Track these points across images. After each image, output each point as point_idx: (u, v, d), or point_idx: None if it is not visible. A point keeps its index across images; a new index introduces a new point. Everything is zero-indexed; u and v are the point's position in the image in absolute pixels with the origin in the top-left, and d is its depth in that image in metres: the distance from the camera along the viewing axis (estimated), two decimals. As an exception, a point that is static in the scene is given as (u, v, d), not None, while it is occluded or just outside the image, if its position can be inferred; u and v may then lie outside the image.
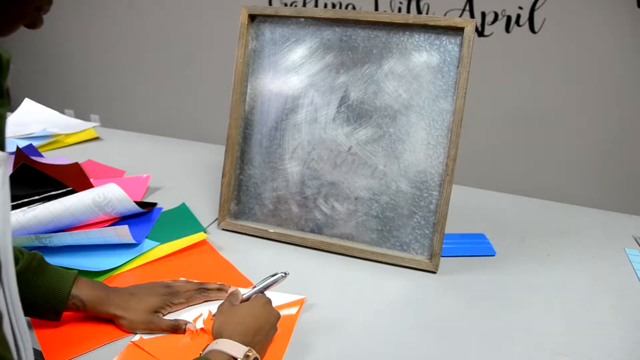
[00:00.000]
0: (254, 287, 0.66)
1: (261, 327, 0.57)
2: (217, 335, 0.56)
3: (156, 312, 0.63)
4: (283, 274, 0.66)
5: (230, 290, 0.67)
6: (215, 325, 0.58)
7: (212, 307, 0.66)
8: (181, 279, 0.71)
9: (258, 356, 0.54)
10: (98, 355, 0.59)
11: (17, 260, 0.58)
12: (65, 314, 0.61)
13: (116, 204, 0.84)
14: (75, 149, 1.28)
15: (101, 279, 0.71)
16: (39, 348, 0.58)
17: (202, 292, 0.67)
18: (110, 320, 0.62)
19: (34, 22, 0.45)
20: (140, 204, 0.89)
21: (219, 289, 0.68)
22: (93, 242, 0.77)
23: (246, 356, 0.52)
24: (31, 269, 0.59)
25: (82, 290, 0.61)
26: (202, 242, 0.83)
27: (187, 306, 0.66)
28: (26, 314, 0.57)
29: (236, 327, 0.56)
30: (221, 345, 0.53)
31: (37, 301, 0.59)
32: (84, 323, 0.63)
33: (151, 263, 0.77)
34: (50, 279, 0.60)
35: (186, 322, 0.62)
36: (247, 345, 0.54)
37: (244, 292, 0.66)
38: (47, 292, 0.59)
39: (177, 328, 0.61)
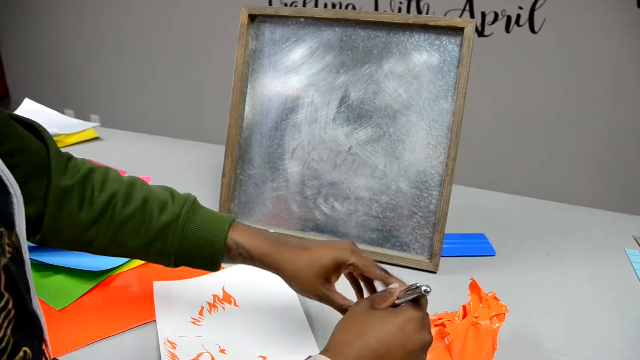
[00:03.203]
0: (408, 290, 0.49)
1: (390, 352, 0.41)
2: (328, 343, 0.44)
3: (337, 271, 0.54)
4: (426, 289, 0.48)
5: (391, 285, 0.52)
6: (336, 328, 0.45)
7: (224, 343, 0.59)
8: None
9: None
10: (104, 346, 0.59)
11: (165, 207, 0.54)
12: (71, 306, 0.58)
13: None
14: (75, 149, 1.28)
15: (101, 278, 0.71)
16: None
17: (379, 269, 0.55)
18: (111, 311, 0.61)
19: None
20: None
21: (386, 275, 0.55)
22: None
23: None
24: (182, 215, 0.54)
25: (245, 238, 0.54)
26: None
27: (361, 273, 0.55)
28: (184, 264, 0.55)
29: (350, 342, 0.42)
30: None
31: (194, 251, 0.54)
32: (89, 314, 0.64)
33: (145, 264, 0.77)
34: (202, 226, 0.54)
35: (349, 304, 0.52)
36: None
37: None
38: (200, 242, 0.53)
39: (343, 310, 0.53)
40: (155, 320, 0.63)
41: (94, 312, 0.65)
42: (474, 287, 0.60)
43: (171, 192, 0.56)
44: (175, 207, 0.54)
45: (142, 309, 0.65)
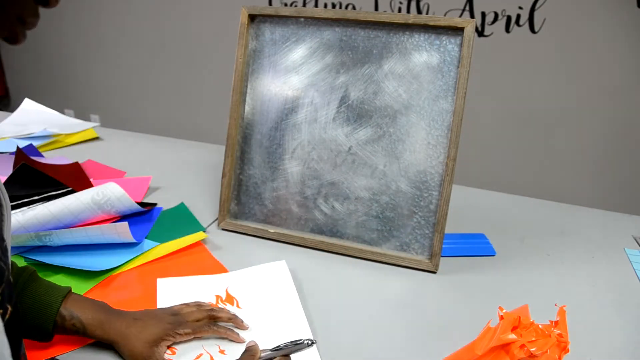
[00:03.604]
0: (278, 348, 0.58)
1: None
2: None
3: (158, 343, 0.56)
4: (309, 342, 0.57)
5: (247, 343, 0.58)
6: None
7: (224, 344, 0.60)
8: (202, 302, 0.64)
9: None
10: (104, 345, 0.58)
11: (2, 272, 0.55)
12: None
13: (115, 202, 0.84)
14: (75, 149, 1.28)
15: (101, 278, 0.71)
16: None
17: (212, 324, 0.60)
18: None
19: (15, 36, 0.35)
20: (140, 204, 0.89)
21: (230, 319, 0.61)
22: (93, 241, 0.77)
23: None
24: (19, 283, 0.54)
25: (79, 309, 0.56)
26: (197, 244, 0.83)
27: (194, 337, 0.59)
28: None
29: None
30: None
31: (24, 319, 0.53)
32: None
33: (150, 262, 0.77)
34: (38, 295, 0.54)
35: None
36: None
37: (266, 349, 0.58)
38: (32, 309, 0.53)
39: None
40: None
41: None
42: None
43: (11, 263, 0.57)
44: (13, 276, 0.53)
45: (142, 309, 0.65)
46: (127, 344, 0.55)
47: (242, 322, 0.62)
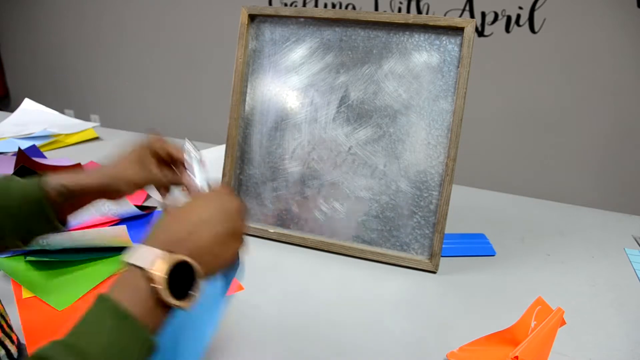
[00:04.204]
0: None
1: (203, 222, 0.41)
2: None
3: (145, 163, 0.57)
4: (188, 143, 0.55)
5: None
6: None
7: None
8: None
9: (190, 260, 0.38)
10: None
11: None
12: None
13: (113, 205, 0.84)
14: (76, 149, 1.28)
15: (102, 278, 0.71)
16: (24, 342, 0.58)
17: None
18: None
19: None
20: (139, 207, 0.89)
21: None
22: (91, 244, 0.77)
23: (158, 261, 0.36)
24: None
25: (56, 179, 0.51)
26: None
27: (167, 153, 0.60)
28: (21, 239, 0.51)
29: (161, 231, 0.40)
30: (128, 256, 0.37)
31: (19, 222, 0.49)
32: (70, 317, 0.63)
33: None
34: (17, 193, 0.49)
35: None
36: (169, 251, 0.37)
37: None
38: (21, 208, 0.49)
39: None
40: None
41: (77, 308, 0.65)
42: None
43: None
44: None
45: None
46: (124, 178, 0.55)
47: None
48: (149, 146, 0.60)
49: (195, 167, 0.53)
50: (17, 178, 0.51)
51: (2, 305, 0.46)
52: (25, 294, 0.67)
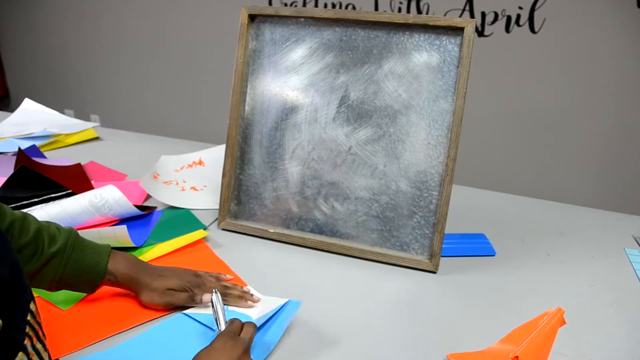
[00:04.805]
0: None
1: None
2: None
3: (174, 294, 0.65)
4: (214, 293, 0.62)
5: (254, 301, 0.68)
6: None
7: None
8: (219, 274, 0.72)
9: None
10: (103, 347, 0.58)
11: (54, 239, 0.61)
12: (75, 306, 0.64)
13: (113, 204, 0.84)
14: (76, 149, 1.28)
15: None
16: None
17: (224, 295, 0.66)
18: (115, 311, 0.65)
19: None
20: (139, 207, 0.89)
21: (240, 297, 0.67)
22: None
23: None
24: (69, 246, 0.62)
25: (117, 266, 0.64)
26: (199, 242, 0.83)
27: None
28: (65, 288, 0.63)
29: None
30: None
31: (76, 277, 0.62)
32: (88, 315, 0.64)
33: (153, 260, 0.77)
34: (87, 255, 0.62)
35: (202, 293, 0.65)
36: None
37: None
38: (84, 268, 0.62)
39: (193, 299, 0.65)
40: (160, 317, 0.64)
41: (99, 311, 0.65)
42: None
43: (57, 226, 0.64)
44: (62, 239, 0.62)
45: (147, 307, 0.66)
46: (149, 293, 0.65)
47: (252, 295, 0.69)
48: (188, 287, 0.67)
49: (220, 317, 0.60)
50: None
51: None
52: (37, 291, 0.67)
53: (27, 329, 0.39)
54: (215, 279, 0.70)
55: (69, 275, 0.61)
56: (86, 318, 0.64)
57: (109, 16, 2.84)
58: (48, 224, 0.63)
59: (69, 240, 0.62)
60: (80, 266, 0.62)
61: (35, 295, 0.65)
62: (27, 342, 0.38)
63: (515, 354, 0.57)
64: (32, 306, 0.41)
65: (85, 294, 0.67)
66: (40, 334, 0.42)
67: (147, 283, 0.65)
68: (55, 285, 0.61)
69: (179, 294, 0.65)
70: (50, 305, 0.66)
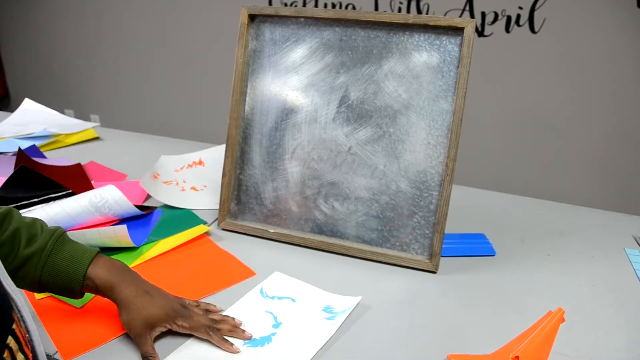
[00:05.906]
0: None
1: None
2: None
3: (154, 327, 0.58)
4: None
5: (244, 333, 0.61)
6: None
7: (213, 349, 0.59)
8: (209, 305, 0.66)
9: None
10: (113, 347, 0.59)
11: (33, 239, 0.58)
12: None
13: (113, 204, 0.84)
14: (76, 149, 1.28)
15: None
16: (52, 343, 0.59)
17: (209, 330, 0.60)
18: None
19: None
20: (139, 207, 0.89)
21: (231, 331, 0.61)
22: (91, 244, 0.77)
23: None
24: (47, 248, 0.58)
25: (97, 271, 0.58)
26: (202, 236, 0.84)
27: (189, 333, 0.60)
28: (48, 291, 0.59)
29: None
30: None
31: (54, 281, 0.58)
32: (96, 316, 0.64)
33: (159, 256, 0.78)
34: (66, 259, 0.58)
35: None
36: None
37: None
38: (61, 272, 0.58)
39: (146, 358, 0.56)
40: None
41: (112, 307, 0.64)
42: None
43: (42, 226, 0.60)
44: (41, 240, 0.58)
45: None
46: (128, 314, 0.58)
47: (244, 332, 0.62)
48: (172, 321, 0.60)
49: None
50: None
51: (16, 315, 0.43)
52: (38, 294, 0.67)
53: (9, 340, 0.37)
54: (203, 312, 0.63)
55: (47, 278, 0.57)
56: (100, 314, 0.64)
57: (109, 16, 2.84)
58: (34, 222, 0.60)
59: (48, 241, 0.58)
60: (57, 270, 0.57)
61: (44, 295, 0.66)
62: (6, 355, 0.36)
63: (515, 354, 0.57)
64: (15, 315, 0.39)
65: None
66: (23, 343, 0.40)
67: (128, 299, 0.58)
68: (37, 288, 0.58)
69: (148, 341, 0.57)
70: (64, 305, 0.66)
